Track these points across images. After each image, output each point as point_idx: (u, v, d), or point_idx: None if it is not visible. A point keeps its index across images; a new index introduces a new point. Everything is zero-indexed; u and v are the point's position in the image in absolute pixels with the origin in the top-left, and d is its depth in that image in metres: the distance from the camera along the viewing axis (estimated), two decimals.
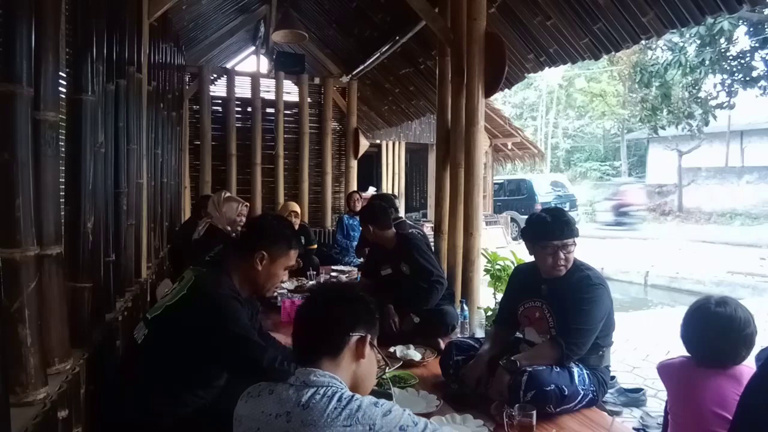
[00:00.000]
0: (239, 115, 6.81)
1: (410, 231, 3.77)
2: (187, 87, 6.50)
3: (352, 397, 1.08)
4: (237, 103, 6.79)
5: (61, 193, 1.66)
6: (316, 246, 5.32)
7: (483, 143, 3.89)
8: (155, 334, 1.74)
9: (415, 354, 2.74)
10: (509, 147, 13.61)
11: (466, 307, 3.27)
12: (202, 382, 1.76)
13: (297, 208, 4.93)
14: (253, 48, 8.68)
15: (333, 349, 1.17)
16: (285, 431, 1.06)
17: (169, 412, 1.69)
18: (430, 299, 3.10)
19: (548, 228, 2.21)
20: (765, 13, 12.18)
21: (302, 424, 1.04)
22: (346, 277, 4.73)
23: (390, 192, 10.38)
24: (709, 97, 16.09)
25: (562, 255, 2.19)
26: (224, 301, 1.72)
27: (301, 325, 1.23)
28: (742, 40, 14.02)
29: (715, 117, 16.33)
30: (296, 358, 1.24)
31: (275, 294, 3.94)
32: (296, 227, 4.68)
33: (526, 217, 3.22)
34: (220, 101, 6.76)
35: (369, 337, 1.22)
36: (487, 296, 4.21)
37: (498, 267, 4.30)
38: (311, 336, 1.21)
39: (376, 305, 1.29)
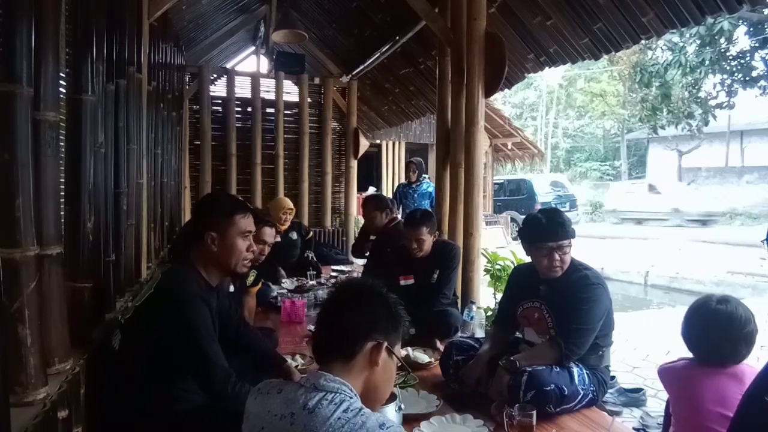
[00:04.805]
0: (239, 115, 6.80)
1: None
2: (187, 87, 6.49)
3: (359, 411, 1.03)
4: (237, 103, 6.78)
5: (61, 193, 1.66)
6: (311, 235, 5.21)
7: (483, 143, 3.89)
8: (129, 338, 1.74)
9: (422, 356, 2.74)
10: (509, 147, 13.60)
11: (474, 308, 3.27)
12: (185, 377, 1.75)
13: (291, 205, 4.82)
14: (253, 48, 8.67)
15: (345, 354, 1.13)
16: None
17: (166, 411, 1.69)
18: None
19: (543, 229, 2.22)
20: (765, 13, 12.20)
21: (304, 428, 1.02)
22: (347, 277, 4.71)
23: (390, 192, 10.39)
24: (709, 97, 16.14)
25: (557, 256, 2.20)
26: (189, 303, 1.69)
27: (319, 325, 1.20)
28: (742, 40, 14.07)
29: (715, 117, 16.37)
30: (314, 356, 1.22)
31: (275, 294, 3.94)
32: (288, 223, 4.67)
33: None
34: (220, 101, 6.75)
35: (386, 344, 1.15)
36: (487, 296, 4.21)
37: (498, 267, 4.29)
38: (326, 338, 1.18)
39: (401, 308, 1.20)
